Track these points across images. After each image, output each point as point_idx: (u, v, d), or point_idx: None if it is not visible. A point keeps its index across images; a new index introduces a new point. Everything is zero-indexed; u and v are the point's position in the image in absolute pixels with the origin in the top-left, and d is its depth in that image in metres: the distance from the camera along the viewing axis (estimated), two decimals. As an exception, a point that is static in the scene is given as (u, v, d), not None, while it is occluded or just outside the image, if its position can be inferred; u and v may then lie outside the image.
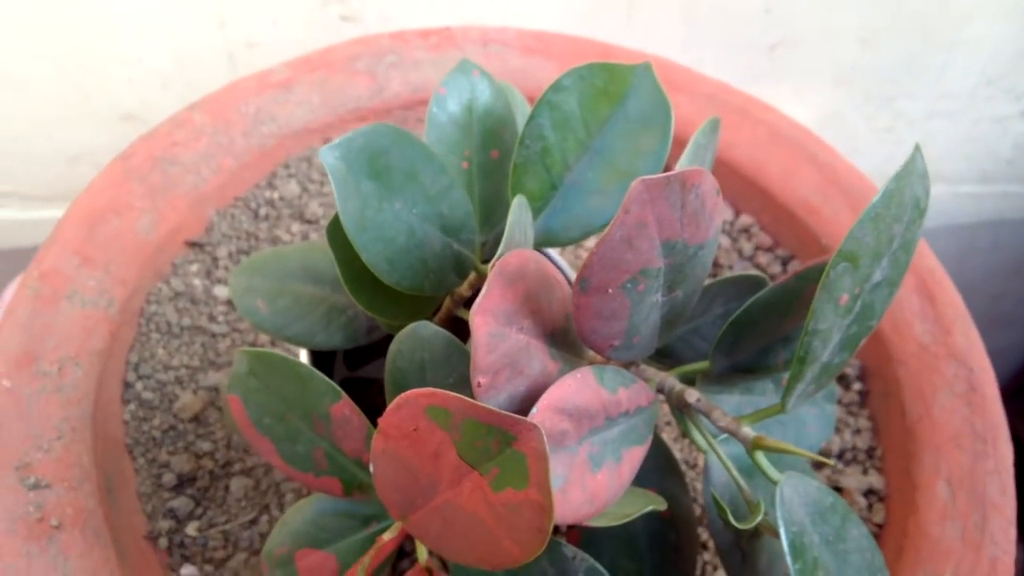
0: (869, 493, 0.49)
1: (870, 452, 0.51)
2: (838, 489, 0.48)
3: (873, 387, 0.52)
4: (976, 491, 0.44)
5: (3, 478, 0.42)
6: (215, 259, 0.56)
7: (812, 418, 0.38)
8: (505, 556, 0.26)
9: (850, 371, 0.53)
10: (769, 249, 0.58)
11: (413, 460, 0.26)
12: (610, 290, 0.26)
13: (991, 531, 0.44)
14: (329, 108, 0.59)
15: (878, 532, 0.48)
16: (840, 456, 0.50)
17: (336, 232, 0.32)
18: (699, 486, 0.49)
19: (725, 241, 0.59)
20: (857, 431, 0.51)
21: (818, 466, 0.49)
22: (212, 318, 0.54)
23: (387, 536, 0.31)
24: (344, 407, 0.30)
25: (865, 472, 0.50)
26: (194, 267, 0.55)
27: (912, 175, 0.29)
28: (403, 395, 0.25)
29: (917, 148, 0.29)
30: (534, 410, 0.26)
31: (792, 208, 0.57)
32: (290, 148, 0.59)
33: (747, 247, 0.58)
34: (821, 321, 0.28)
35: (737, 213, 0.60)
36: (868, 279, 0.29)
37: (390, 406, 0.26)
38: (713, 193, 0.27)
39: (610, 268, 0.26)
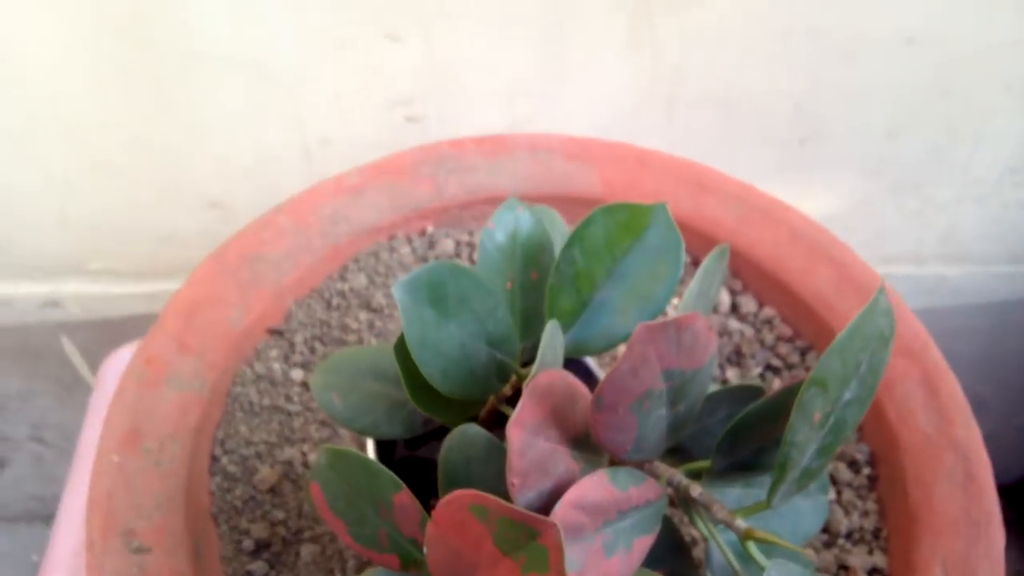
0: (873, 572, 0.53)
1: (876, 533, 0.55)
2: (844, 567, 0.53)
3: (882, 472, 0.56)
4: (968, 573, 0.49)
5: (112, 542, 0.50)
6: (292, 344, 0.63)
7: (806, 508, 0.43)
8: (532, 626, 0.32)
9: (860, 456, 0.57)
10: (789, 340, 0.64)
11: (459, 545, 0.33)
12: (620, 410, 0.32)
13: (984, 611, 0.48)
14: (395, 209, 0.67)
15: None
16: (848, 536, 0.55)
17: (401, 348, 0.38)
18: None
19: (749, 332, 0.64)
20: (865, 513, 0.56)
21: (828, 544, 0.54)
22: (288, 398, 0.61)
23: (438, 605, 0.37)
24: (404, 496, 0.36)
25: (871, 552, 0.54)
26: (274, 352, 0.62)
27: (875, 312, 0.35)
28: (451, 495, 0.32)
29: (881, 288, 0.35)
30: (558, 506, 0.32)
31: (810, 302, 0.62)
32: (360, 244, 0.67)
33: (769, 337, 0.64)
34: (798, 434, 0.34)
35: (761, 305, 0.66)
36: (839, 399, 0.34)
37: (441, 502, 0.32)
38: (706, 329, 0.33)
39: (619, 392, 0.32)
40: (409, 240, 0.68)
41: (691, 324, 0.32)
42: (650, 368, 0.32)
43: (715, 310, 0.66)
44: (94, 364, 1.03)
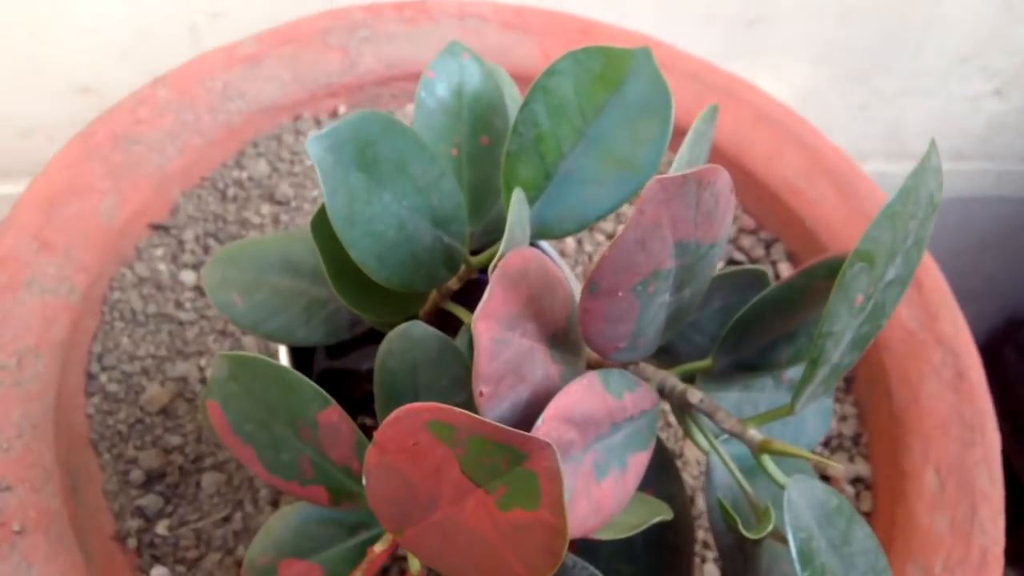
0: (856, 481, 0.48)
1: (856, 439, 0.50)
2: (824, 478, 0.48)
3: (858, 373, 0.51)
4: (965, 480, 0.44)
5: (-40, 480, 0.40)
6: (181, 243, 0.53)
7: (811, 414, 0.37)
8: None
9: (837, 358, 0.52)
10: (752, 232, 0.57)
11: (411, 474, 0.25)
12: (620, 293, 0.25)
13: (980, 521, 0.43)
14: (300, 84, 0.57)
15: (866, 521, 0.47)
16: (826, 444, 0.50)
17: (321, 227, 0.30)
18: (689, 479, 0.48)
19: (708, 224, 0.58)
20: (843, 418, 0.50)
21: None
22: (179, 305, 0.51)
23: (378, 548, 0.30)
24: (332, 414, 0.28)
25: (851, 459, 0.49)
26: (159, 251, 0.53)
27: (927, 171, 0.28)
28: (402, 409, 0.24)
29: (933, 144, 0.28)
30: (540, 421, 0.25)
31: (776, 190, 0.56)
32: (259, 126, 0.57)
33: (729, 232, 0.57)
34: (835, 323, 0.27)
35: (720, 195, 0.59)
36: (882, 278, 0.28)
37: (387, 419, 0.24)
38: (727, 191, 0.25)
39: (621, 271, 0.24)
40: (317, 122, 0.59)
41: (713, 181, 0.24)
42: (661, 239, 0.24)
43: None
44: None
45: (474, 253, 0.35)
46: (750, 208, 0.58)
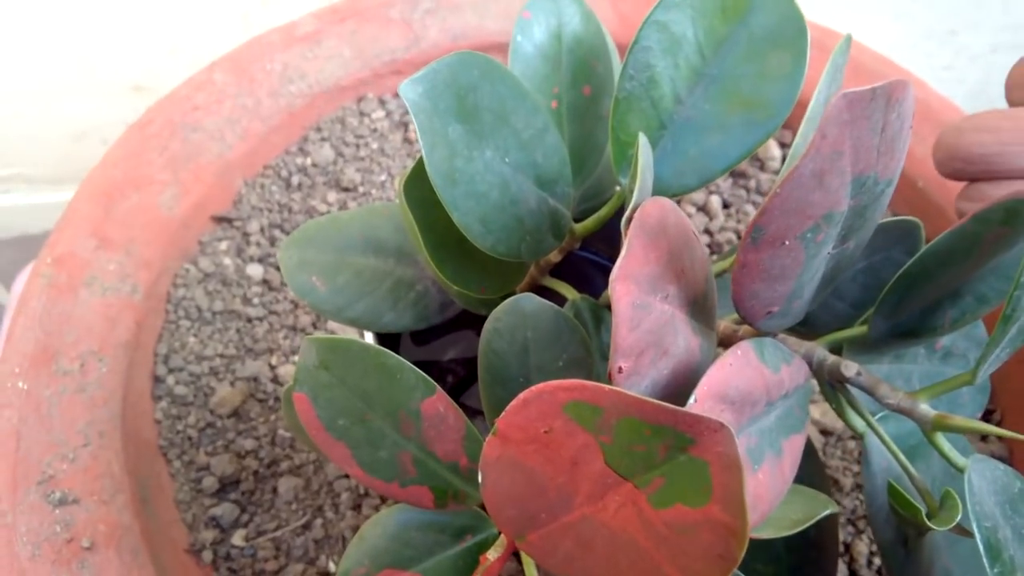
0: (998, 465, 0.43)
1: (987, 416, 0.45)
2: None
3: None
4: None
5: (24, 495, 0.37)
6: (246, 235, 0.50)
7: (967, 388, 0.32)
8: (665, 585, 0.20)
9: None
10: (857, 197, 0.53)
11: (541, 469, 0.21)
12: (787, 242, 0.21)
13: None
14: (363, 62, 0.53)
15: None
16: (962, 425, 0.45)
17: (413, 189, 0.26)
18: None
19: (808, 191, 0.53)
20: (975, 396, 0.45)
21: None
22: (247, 300, 0.48)
23: (492, 555, 0.26)
24: (438, 402, 0.24)
25: (984, 439, 0.44)
26: (223, 245, 0.49)
27: None
28: (534, 390, 0.20)
29: None
30: (692, 399, 0.21)
31: (883, 150, 0.51)
32: (321, 109, 0.53)
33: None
34: (1036, 271, 0.22)
35: (818, 159, 0.54)
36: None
37: (513, 403, 0.20)
38: (910, 114, 0.21)
39: (792, 213, 0.20)
40: (382, 102, 0.55)
41: (901, 98, 0.20)
42: (840, 172, 0.20)
43: (761, 167, 0.54)
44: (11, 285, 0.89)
45: (577, 220, 0.31)
46: (853, 171, 0.53)
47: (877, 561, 0.40)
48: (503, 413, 0.21)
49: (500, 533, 0.27)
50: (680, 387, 0.22)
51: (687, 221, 0.24)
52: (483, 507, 0.27)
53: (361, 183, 0.52)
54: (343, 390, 0.25)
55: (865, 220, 0.23)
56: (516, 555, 0.41)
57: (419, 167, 0.26)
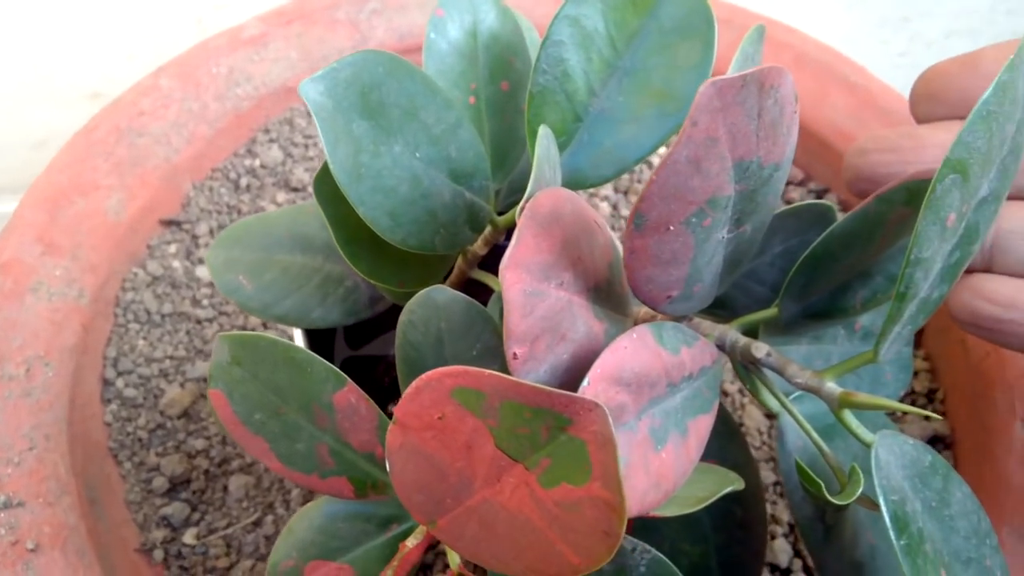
0: (934, 441, 0.44)
1: (930, 395, 0.46)
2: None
3: (928, 323, 0.47)
4: (1065, 435, 0.39)
5: (-30, 498, 0.37)
6: (195, 237, 0.50)
7: (888, 365, 0.33)
8: (562, 564, 0.21)
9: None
10: (800, 183, 0.53)
11: (439, 454, 0.21)
12: (671, 227, 0.21)
13: (1083, 477, 0.39)
14: (309, 63, 0.54)
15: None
16: (898, 401, 0.45)
17: (325, 185, 0.26)
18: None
19: (753, 179, 0.54)
20: (914, 373, 0.46)
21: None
22: (196, 302, 0.48)
23: (411, 542, 0.26)
24: (349, 394, 0.25)
25: (927, 418, 0.45)
26: (172, 248, 0.50)
27: (1023, 66, 0.23)
28: (423, 377, 0.20)
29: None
30: (585, 382, 0.21)
31: (824, 136, 0.52)
32: (269, 110, 0.54)
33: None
34: (925, 248, 0.23)
35: (763, 148, 0.55)
36: (975, 193, 0.24)
37: (407, 391, 0.21)
38: (792, 99, 0.21)
39: (672, 199, 0.20)
40: (331, 101, 0.55)
41: (777, 84, 0.20)
42: (719, 157, 0.20)
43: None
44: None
45: (501, 214, 0.32)
46: (797, 158, 0.54)
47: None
48: (400, 401, 0.21)
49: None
50: (583, 372, 0.23)
51: (587, 209, 0.24)
52: (403, 496, 0.27)
53: (310, 183, 0.53)
54: (256, 385, 0.25)
55: (757, 204, 0.23)
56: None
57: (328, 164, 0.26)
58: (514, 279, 0.21)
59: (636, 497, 0.23)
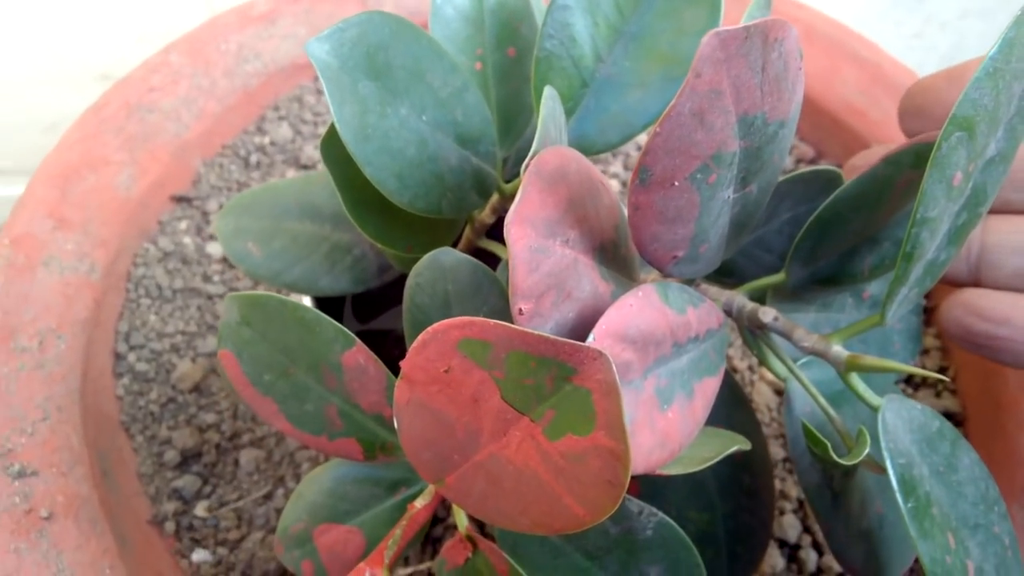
0: (945, 418, 0.44)
1: (941, 373, 0.46)
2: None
3: (939, 302, 0.47)
4: (1075, 408, 0.39)
5: (-16, 467, 0.38)
6: (205, 214, 0.50)
7: (897, 334, 0.33)
8: (568, 517, 0.21)
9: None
10: (812, 161, 0.53)
11: (446, 409, 0.21)
12: (676, 183, 0.21)
13: (1094, 451, 0.39)
14: (317, 40, 0.54)
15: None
16: (908, 380, 0.45)
17: (332, 147, 0.26)
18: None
19: (763, 156, 0.53)
20: (925, 351, 0.46)
21: (889, 393, 0.44)
22: (207, 278, 0.49)
23: (419, 503, 0.26)
24: (358, 354, 0.25)
25: (938, 395, 0.45)
26: (183, 224, 0.50)
27: (1031, 22, 0.23)
28: (429, 330, 0.20)
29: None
30: (591, 338, 0.21)
31: (835, 112, 0.52)
32: (278, 87, 0.54)
33: (787, 161, 0.53)
34: (931, 207, 0.23)
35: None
36: (982, 153, 0.24)
37: (414, 344, 0.21)
38: (796, 54, 0.21)
39: (676, 153, 0.20)
40: (340, 80, 0.55)
41: (781, 37, 0.20)
42: (723, 110, 0.20)
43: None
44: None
45: (507, 181, 0.32)
46: (807, 135, 0.53)
47: (826, 514, 0.41)
48: (407, 355, 0.21)
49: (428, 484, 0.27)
50: (588, 331, 0.23)
51: (593, 170, 0.24)
52: (411, 458, 0.27)
53: (320, 160, 0.53)
54: (265, 345, 0.25)
55: (763, 163, 0.23)
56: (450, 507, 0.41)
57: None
58: (519, 234, 0.21)
59: (642, 454, 0.23)
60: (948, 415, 0.44)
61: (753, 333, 0.28)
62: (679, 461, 0.24)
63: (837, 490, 0.30)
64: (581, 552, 0.27)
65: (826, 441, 0.25)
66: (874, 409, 0.26)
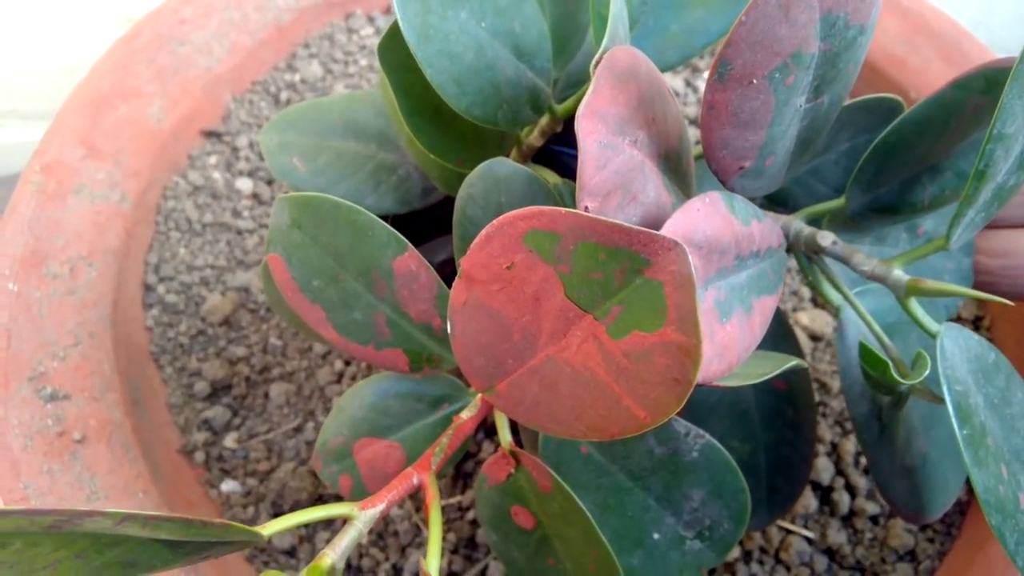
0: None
1: (976, 323, 0.45)
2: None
3: (981, 255, 0.46)
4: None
5: (16, 390, 0.38)
6: (235, 150, 0.50)
7: (947, 273, 0.33)
8: (627, 420, 0.20)
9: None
10: (850, 114, 0.52)
11: (505, 310, 0.21)
12: (755, 80, 0.20)
13: None
14: (351, -23, 0.53)
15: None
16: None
17: (390, 52, 0.26)
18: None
19: (801, 107, 0.53)
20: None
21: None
22: (236, 213, 0.48)
23: (466, 415, 0.26)
24: (410, 260, 0.24)
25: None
26: (212, 159, 0.49)
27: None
28: (495, 222, 0.20)
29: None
30: (658, 240, 0.21)
31: (874, 62, 0.51)
32: (309, 24, 0.53)
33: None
34: (1009, 122, 0.22)
35: (812, 76, 0.54)
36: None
37: (477, 239, 0.20)
38: (880, -49, 0.21)
39: (759, 47, 0.20)
40: (371, 19, 0.55)
41: (867, -72, 0.20)
42: (807, 5, 0.19)
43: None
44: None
45: (560, 102, 0.31)
46: (847, 87, 0.52)
47: (864, 460, 0.41)
48: (468, 251, 0.21)
49: (473, 398, 0.27)
50: (650, 238, 0.23)
51: (660, 76, 0.24)
52: (458, 373, 0.27)
53: (352, 100, 0.52)
54: (316, 249, 0.25)
55: (839, 71, 0.23)
56: (489, 433, 0.41)
57: (395, 29, 0.26)
58: (590, 128, 0.20)
59: (702, 364, 0.22)
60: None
61: (809, 258, 0.28)
62: (736, 375, 0.24)
63: (885, 421, 0.29)
64: (625, 472, 0.27)
65: (886, 360, 0.24)
66: (932, 335, 0.25)
